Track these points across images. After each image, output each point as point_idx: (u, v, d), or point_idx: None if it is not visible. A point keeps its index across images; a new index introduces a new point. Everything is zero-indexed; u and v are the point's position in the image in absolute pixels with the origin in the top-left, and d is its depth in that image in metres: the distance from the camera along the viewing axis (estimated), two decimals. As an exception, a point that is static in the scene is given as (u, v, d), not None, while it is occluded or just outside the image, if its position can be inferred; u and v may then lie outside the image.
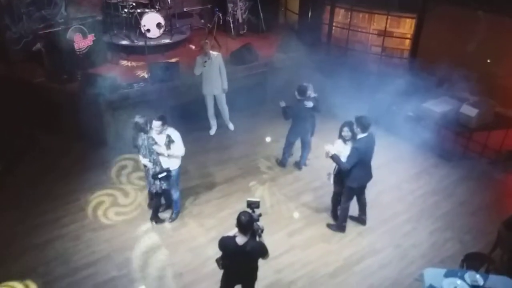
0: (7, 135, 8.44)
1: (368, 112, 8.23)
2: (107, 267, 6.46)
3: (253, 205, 4.88)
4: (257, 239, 4.90)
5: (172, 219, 7.30)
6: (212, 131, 9.71)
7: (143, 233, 7.09)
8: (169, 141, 6.52)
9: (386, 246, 7.01)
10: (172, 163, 6.75)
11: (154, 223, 7.25)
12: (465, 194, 8.19)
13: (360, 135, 6.42)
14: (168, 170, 6.68)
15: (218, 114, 9.67)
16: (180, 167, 6.96)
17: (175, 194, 7.14)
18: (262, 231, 4.83)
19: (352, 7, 11.20)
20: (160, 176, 6.65)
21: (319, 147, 8.72)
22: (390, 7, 10.56)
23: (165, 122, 6.50)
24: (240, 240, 4.73)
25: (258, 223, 4.92)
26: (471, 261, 5.80)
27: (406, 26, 10.80)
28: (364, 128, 6.36)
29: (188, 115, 9.35)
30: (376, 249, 6.95)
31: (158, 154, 6.55)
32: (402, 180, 8.48)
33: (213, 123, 9.68)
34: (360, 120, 6.36)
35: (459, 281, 5.33)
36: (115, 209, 7.55)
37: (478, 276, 5.36)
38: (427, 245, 7.05)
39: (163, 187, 6.80)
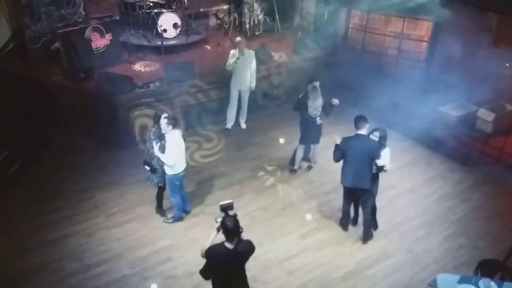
0: (24, 133, 8.55)
1: (383, 115, 8.22)
2: (119, 265, 6.51)
3: (227, 208, 4.79)
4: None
5: (167, 221, 7.33)
6: (229, 126, 9.74)
7: (155, 231, 7.13)
8: (163, 146, 6.54)
9: (398, 250, 6.95)
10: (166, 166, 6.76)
11: (158, 214, 7.41)
12: (481, 199, 8.09)
13: (358, 131, 6.54)
14: (151, 168, 6.88)
15: (236, 111, 9.74)
16: (178, 174, 6.83)
17: (173, 199, 7.09)
18: (242, 230, 4.78)
19: (369, 9, 11.11)
20: (144, 166, 6.97)
21: (331, 149, 8.72)
22: (407, 10, 10.45)
23: (170, 123, 6.45)
24: (230, 244, 4.69)
25: None
26: (486, 268, 5.73)
27: (423, 29, 10.69)
28: (358, 127, 6.55)
29: (204, 115, 9.40)
30: (388, 253, 6.89)
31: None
32: (416, 184, 8.40)
33: (231, 118, 9.72)
34: (358, 118, 6.58)
35: (472, 288, 5.27)
36: (128, 208, 7.62)
37: (492, 283, 5.27)
38: (440, 250, 6.97)
39: (157, 182, 7.02)
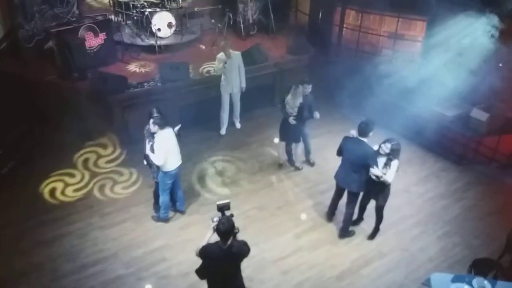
0: (17, 133, 8.50)
1: (377, 115, 8.20)
2: (114, 265, 6.50)
3: (224, 207, 4.79)
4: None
5: (153, 217, 7.33)
6: (223, 131, 9.71)
7: (150, 232, 7.12)
8: (152, 146, 6.54)
9: (393, 249, 6.98)
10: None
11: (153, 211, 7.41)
12: (475, 198, 8.13)
13: (359, 137, 6.48)
14: (148, 162, 6.82)
15: (229, 113, 9.71)
16: (170, 172, 6.79)
17: (161, 197, 7.04)
18: (238, 230, 4.78)
19: (363, 9, 11.12)
20: (144, 159, 6.92)
21: (327, 149, 8.74)
22: (401, 10, 10.47)
23: (156, 123, 6.40)
24: (224, 244, 4.69)
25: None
26: (479, 267, 5.76)
27: (418, 29, 10.71)
28: (359, 133, 6.45)
29: (198, 114, 9.37)
30: (383, 252, 6.92)
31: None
32: (410, 183, 8.43)
33: (225, 122, 9.68)
34: (360, 125, 6.44)
35: (466, 287, 5.29)
36: (123, 208, 7.58)
37: (486, 282, 5.32)
38: (435, 249, 7.01)
39: (154, 178, 7.00)
